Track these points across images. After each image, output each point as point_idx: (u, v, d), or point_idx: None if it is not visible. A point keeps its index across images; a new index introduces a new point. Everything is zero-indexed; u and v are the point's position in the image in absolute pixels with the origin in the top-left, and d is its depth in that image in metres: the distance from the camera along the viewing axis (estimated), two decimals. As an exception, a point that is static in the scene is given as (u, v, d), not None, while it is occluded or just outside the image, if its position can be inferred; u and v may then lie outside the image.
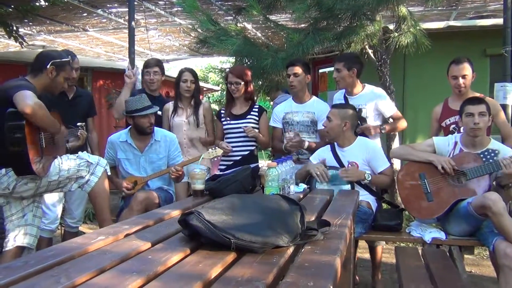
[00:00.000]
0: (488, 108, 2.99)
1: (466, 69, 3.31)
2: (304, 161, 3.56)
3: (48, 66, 2.72)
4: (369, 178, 3.10)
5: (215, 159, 3.48)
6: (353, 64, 3.49)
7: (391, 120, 3.61)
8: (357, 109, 3.51)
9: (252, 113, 3.76)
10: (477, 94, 3.41)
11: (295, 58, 3.90)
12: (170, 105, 3.93)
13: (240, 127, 3.72)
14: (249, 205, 1.58)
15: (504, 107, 3.96)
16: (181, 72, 3.88)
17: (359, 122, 3.47)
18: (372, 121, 3.53)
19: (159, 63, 4.05)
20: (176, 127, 3.84)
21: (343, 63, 3.49)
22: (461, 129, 3.20)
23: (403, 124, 3.59)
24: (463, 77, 3.31)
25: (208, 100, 18.63)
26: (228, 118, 3.77)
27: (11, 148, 2.50)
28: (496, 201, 2.61)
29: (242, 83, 3.68)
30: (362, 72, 3.58)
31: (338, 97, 3.71)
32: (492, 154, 2.96)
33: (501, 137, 3.40)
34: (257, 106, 3.82)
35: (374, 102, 3.52)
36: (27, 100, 2.44)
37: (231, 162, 3.67)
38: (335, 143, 3.29)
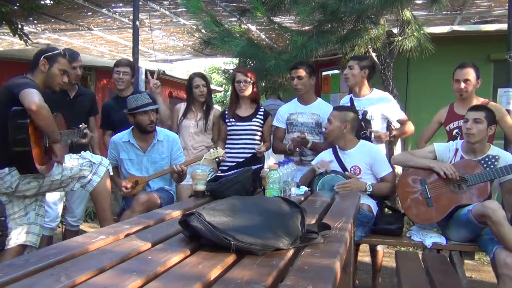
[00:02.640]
0: (489, 116, 2.97)
1: (470, 74, 3.32)
2: (307, 163, 3.56)
3: (40, 60, 2.75)
4: (370, 190, 3.10)
5: (217, 159, 3.48)
6: (366, 65, 3.55)
7: (395, 124, 3.62)
8: (362, 111, 3.52)
9: (257, 116, 3.76)
10: (481, 99, 3.41)
11: (299, 60, 3.91)
12: (181, 106, 3.96)
13: (245, 129, 3.72)
14: (250, 207, 1.58)
15: (508, 112, 3.95)
16: (192, 78, 3.91)
17: (363, 124, 3.48)
18: (379, 124, 3.54)
19: (130, 64, 4.05)
20: (184, 129, 3.86)
21: (357, 61, 3.55)
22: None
23: (410, 127, 3.62)
24: (465, 81, 3.32)
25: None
26: (232, 120, 3.77)
27: (15, 147, 2.51)
28: (495, 210, 2.60)
29: (250, 81, 3.69)
30: (372, 76, 3.62)
31: (345, 101, 3.71)
32: (493, 160, 2.96)
33: (509, 140, 3.38)
34: (263, 110, 3.82)
35: (380, 106, 3.53)
36: (34, 98, 2.46)
37: (234, 164, 3.68)
38: (337, 146, 3.29)
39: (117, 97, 3.96)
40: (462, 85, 3.32)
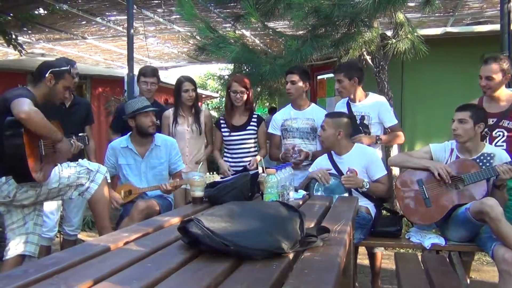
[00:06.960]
0: (475, 114, 2.93)
1: (492, 70, 3.12)
2: (303, 168, 3.57)
3: (46, 75, 2.74)
4: (367, 186, 3.11)
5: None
6: (354, 73, 3.51)
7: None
8: (360, 116, 3.52)
9: (251, 123, 3.80)
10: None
11: (295, 65, 3.92)
12: (170, 113, 3.95)
13: (240, 139, 3.76)
14: (248, 212, 1.58)
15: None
16: (181, 82, 3.90)
17: (361, 129, 3.49)
18: (377, 129, 3.54)
19: (156, 73, 4.08)
20: (179, 135, 3.86)
21: (343, 73, 3.51)
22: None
23: (400, 138, 3.58)
24: (487, 78, 3.14)
25: (207, 107, 18.68)
26: (228, 130, 3.80)
27: (9, 156, 2.51)
28: (493, 207, 2.61)
29: (246, 91, 3.72)
30: (363, 79, 3.60)
31: (340, 105, 3.71)
32: (488, 158, 2.97)
33: None
34: (256, 116, 3.84)
35: (377, 110, 3.53)
36: (23, 106, 2.46)
37: (234, 173, 3.68)
38: (333, 152, 3.30)
39: None
40: (484, 82, 3.16)
